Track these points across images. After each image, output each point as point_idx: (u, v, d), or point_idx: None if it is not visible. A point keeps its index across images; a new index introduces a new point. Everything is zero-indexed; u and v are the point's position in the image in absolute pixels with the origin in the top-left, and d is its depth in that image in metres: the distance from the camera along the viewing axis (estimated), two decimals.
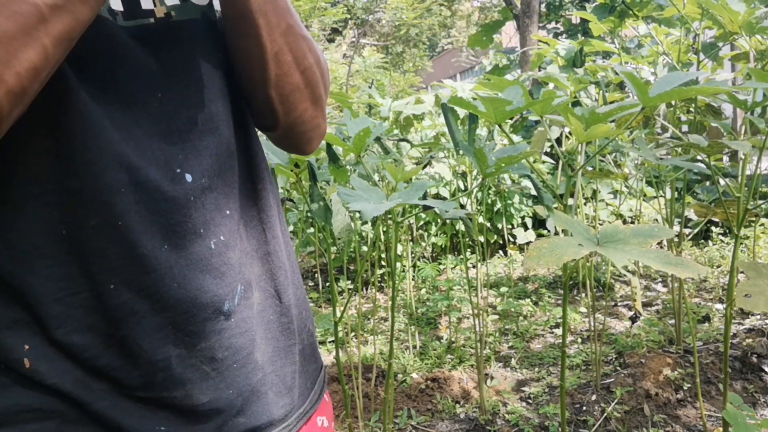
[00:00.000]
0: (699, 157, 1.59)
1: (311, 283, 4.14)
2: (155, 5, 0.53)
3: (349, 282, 3.70)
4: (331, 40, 13.39)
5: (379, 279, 3.73)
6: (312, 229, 3.48)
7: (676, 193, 2.26)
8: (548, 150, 3.85)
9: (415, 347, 2.74)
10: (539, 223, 4.15)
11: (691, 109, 2.11)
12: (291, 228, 3.66)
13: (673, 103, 2.03)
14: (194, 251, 0.52)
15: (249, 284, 0.58)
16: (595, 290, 2.40)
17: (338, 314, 2.34)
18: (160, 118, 0.52)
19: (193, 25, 0.55)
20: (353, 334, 2.89)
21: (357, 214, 1.89)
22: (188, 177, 0.52)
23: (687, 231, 3.17)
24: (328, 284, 3.76)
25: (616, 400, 2.05)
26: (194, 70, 0.55)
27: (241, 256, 0.57)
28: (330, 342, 2.95)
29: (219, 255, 0.54)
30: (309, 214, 3.12)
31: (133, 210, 0.49)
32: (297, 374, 0.63)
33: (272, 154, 1.13)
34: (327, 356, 2.81)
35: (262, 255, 0.61)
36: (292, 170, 1.23)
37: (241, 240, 0.58)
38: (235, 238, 0.57)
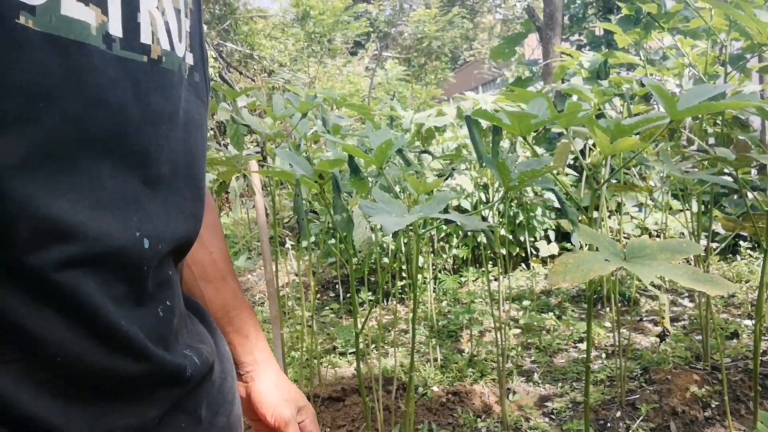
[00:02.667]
0: (726, 171, 1.57)
1: (332, 294, 4.15)
2: (152, 42, 0.48)
3: (370, 293, 3.70)
4: (353, 53, 13.50)
5: (400, 291, 3.72)
6: (333, 240, 3.49)
7: (702, 206, 2.22)
8: (572, 162, 3.82)
9: (436, 360, 2.73)
10: (562, 236, 4.11)
11: (718, 121, 2.07)
12: (313, 239, 3.68)
13: (699, 115, 2.00)
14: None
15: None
16: (619, 305, 2.36)
17: (359, 325, 2.34)
18: (125, 170, 0.47)
19: (176, 77, 0.51)
20: (374, 345, 2.89)
21: (379, 226, 1.89)
22: (146, 242, 0.48)
23: (714, 245, 3.11)
24: (349, 295, 3.76)
25: (641, 417, 2.01)
26: (174, 125, 0.51)
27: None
28: (351, 353, 2.95)
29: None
30: (330, 225, 3.13)
31: (82, 281, 0.43)
32: None
33: (296, 165, 1.14)
34: (348, 367, 2.80)
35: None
36: (315, 181, 1.23)
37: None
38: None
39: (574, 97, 2.32)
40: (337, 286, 4.07)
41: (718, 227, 3.40)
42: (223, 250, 0.74)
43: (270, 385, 0.74)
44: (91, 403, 0.45)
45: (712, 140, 2.29)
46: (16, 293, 0.40)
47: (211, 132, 7.94)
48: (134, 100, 0.46)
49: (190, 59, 0.54)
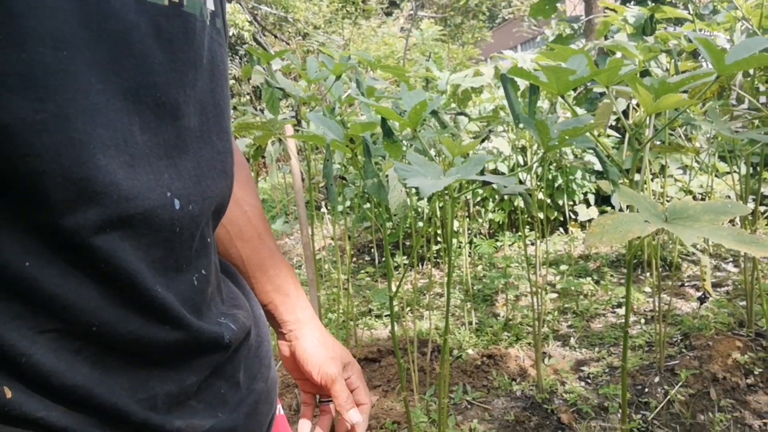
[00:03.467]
0: None
1: (367, 258, 4.18)
2: None
3: (405, 257, 3.71)
4: (388, 14, 13.26)
5: (435, 255, 3.72)
6: (368, 205, 3.49)
7: (751, 168, 2.13)
8: (614, 123, 3.70)
9: (471, 323, 2.73)
10: (603, 200, 4.02)
11: None
12: (348, 203, 3.69)
13: (751, 71, 1.90)
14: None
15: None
16: (660, 269, 2.31)
17: (394, 289, 2.35)
18: (156, 123, 0.44)
19: (198, 22, 0.48)
20: (409, 308, 2.91)
21: (413, 190, 1.88)
22: (176, 203, 0.46)
23: (763, 209, 2.99)
24: (384, 259, 3.78)
25: (680, 383, 1.98)
26: (200, 73, 0.48)
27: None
28: (386, 316, 2.98)
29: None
30: (364, 190, 3.13)
31: (119, 246, 0.42)
32: None
33: (328, 129, 1.13)
34: (383, 329, 2.84)
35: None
36: (347, 146, 1.22)
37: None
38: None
39: (618, 54, 2.23)
40: (372, 250, 4.10)
41: (767, 190, 3.27)
42: (257, 207, 0.73)
43: (314, 343, 0.73)
44: (129, 371, 0.45)
45: (764, 99, 2.18)
46: (50, 261, 0.39)
47: (248, 97, 7.97)
48: (157, 47, 0.43)
49: (210, 4, 0.51)
